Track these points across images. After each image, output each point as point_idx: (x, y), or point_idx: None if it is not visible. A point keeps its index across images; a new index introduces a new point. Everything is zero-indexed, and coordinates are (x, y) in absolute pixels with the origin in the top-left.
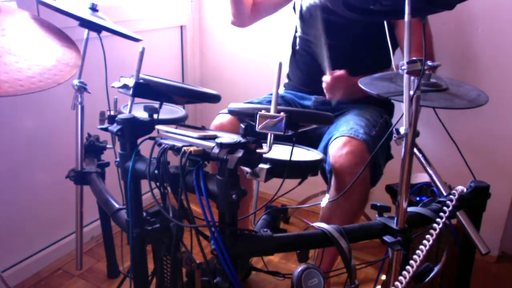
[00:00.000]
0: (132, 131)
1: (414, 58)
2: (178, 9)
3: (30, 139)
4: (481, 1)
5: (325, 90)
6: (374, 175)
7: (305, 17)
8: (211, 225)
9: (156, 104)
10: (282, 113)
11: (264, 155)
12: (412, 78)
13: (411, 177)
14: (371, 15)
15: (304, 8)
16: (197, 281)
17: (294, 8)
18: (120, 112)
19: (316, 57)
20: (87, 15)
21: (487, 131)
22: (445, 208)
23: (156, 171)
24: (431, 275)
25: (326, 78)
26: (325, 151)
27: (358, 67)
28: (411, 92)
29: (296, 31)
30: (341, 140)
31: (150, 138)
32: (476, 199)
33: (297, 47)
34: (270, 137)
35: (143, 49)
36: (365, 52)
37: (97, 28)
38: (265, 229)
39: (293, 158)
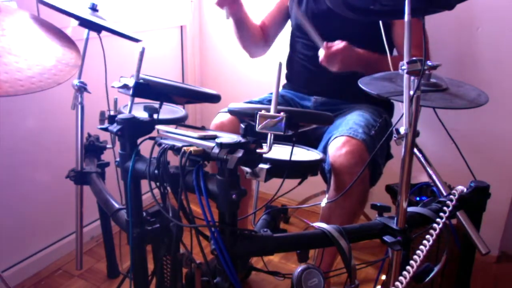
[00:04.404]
0: (132, 131)
1: (414, 58)
2: (178, 9)
3: (30, 139)
4: (481, 1)
5: (321, 63)
6: (373, 175)
7: (300, 27)
8: (211, 225)
9: (156, 104)
10: (282, 113)
11: (264, 155)
12: (412, 78)
13: (411, 177)
14: (371, 15)
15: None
16: (197, 281)
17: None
18: (120, 112)
19: (313, 59)
20: (87, 15)
21: (487, 131)
22: (445, 208)
23: (156, 171)
24: (431, 275)
25: (321, 53)
26: (324, 151)
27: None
28: (411, 92)
29: (292, 35)
30: (340, 139)
31: (150, 138)
32: (476, 199)
33: (295, 48)
34: (270, 137)
35: (143, 49)
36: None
37: (97, 28)
38: (265, 229)
39: (293, 158)
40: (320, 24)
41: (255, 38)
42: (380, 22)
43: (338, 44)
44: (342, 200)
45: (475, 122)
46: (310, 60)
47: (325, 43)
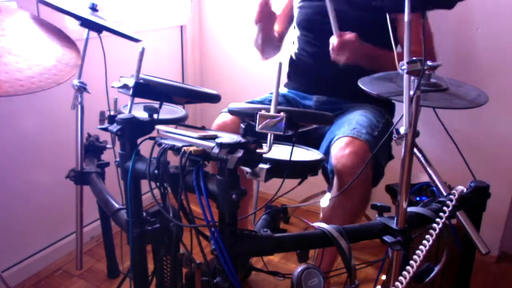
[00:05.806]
0: (132, 131)
1: (414, 58)
2: (178, 9)
3: (30, 139)
4: (481, 1)
5: (331, 51)
6: (376, 175)
7: (305, 24)
8: (211, 225)
9: (156, 104)
10: (282, 113)
11: (264, 155)
12: (412, 78)
13: (411, 177)
14: (372, 11)
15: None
16: (197, 281)
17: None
18: (120, 112)
19: (315, 57)
20: (88, 14)
21: (487, 131)
22: (445, 208)
23: (156, 171)
24: (431, 275)
25: (334, 40)
26: (327, 151)
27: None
28: (411, 92)
29: (294, 32)
30: (343, 140)
31: (150, 138)
32: (476, 199)
33: (297, 47)
34: (270, 137)
35: (143, 49)
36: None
37: (98, 28)
38: (265, 229)
39: (293, 158)
40: (323, 23)
41: (275, 45)
42: (388, 20)
43: (350, 34)
44: (344, 200)
45: (475, 122)
46: (312, 58)
47: (338, 31)
